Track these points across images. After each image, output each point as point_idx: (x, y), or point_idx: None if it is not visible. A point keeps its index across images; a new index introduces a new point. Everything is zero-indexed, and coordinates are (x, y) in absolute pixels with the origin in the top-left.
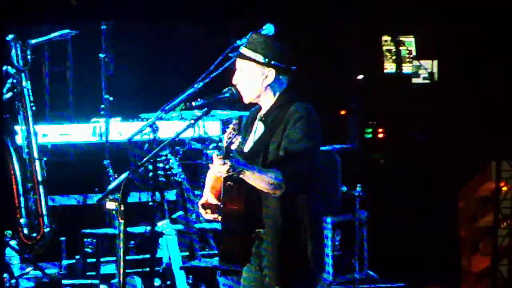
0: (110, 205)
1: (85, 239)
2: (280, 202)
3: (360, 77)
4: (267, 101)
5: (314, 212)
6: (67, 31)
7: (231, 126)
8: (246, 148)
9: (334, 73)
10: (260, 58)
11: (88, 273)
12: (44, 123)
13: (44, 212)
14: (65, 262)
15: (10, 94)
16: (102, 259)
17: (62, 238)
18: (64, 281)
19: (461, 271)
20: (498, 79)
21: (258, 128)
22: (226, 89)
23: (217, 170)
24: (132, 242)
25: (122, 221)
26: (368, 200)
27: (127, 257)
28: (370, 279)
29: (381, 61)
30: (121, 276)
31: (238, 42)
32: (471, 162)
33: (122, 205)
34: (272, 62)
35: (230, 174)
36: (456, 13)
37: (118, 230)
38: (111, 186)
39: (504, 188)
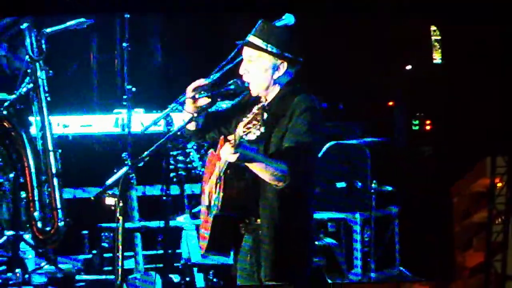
0: (109, 201)
1: (102, 233)
2: (279, 194)
3: (408, 67)
4: (272, 92)
5: (310, 207)
6: (82, 20)
7: (251, 116)
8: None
9: (382, 64)
10: (273, 49)
11: (106, 268)
12: (92, 113)
13: (59, 205)
14: (82, 256)
15: (32, 85)
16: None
17: (85, 232)
18: (81, 277)
19: (455, 267)
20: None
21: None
22: (231, 81)
23: (226, 158)
24: (161, 235)
25: (120, 217)
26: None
27: (149, 252)
28: (401, 276)
29: (429, 52)
30: (119, 274)
31: None
32: (466, 157)
33: (121, 201)
34: (285, 53)
35: (238, 162)
36: (457, 12)
37: (116, 226)
38: (109, 181)
39: (499, 184)
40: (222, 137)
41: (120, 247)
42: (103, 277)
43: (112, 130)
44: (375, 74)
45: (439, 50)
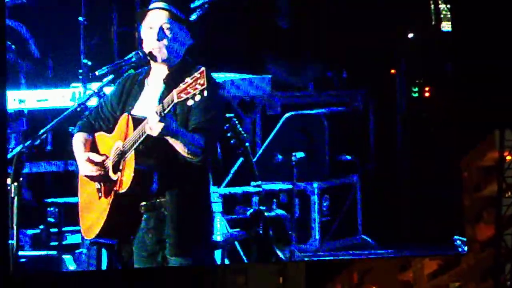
0: None
1: (48, 209)
2: (185, 170)
3: (410, 35)
4: (171, 63)
5: (210, 182)
6: None
7: (190, 81)
8: (142, 111)
9: (385, 31)
10: (183, 16)
11: (52, 243)
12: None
13: None
14: (29, 232)
15: None
16: (65, 229)
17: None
18: (24, 253)
19: (466, 240)
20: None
21: (155, 90)
22: (132, 53)
23: (150, 128)
24: None
25: (15, 198)
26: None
27: None
28: (364, 245)
29: (431, 20)
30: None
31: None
32: (475, 130)
33: (15, 182)
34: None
35: (160, 135)
36: None
37: (10, 209)
38: None
39: (508, 157)
40: (125, 114)
41: (15, 228)
42: (45, 252)
43: (69, 105)
44: (378, 42)
45: (446, 18)
